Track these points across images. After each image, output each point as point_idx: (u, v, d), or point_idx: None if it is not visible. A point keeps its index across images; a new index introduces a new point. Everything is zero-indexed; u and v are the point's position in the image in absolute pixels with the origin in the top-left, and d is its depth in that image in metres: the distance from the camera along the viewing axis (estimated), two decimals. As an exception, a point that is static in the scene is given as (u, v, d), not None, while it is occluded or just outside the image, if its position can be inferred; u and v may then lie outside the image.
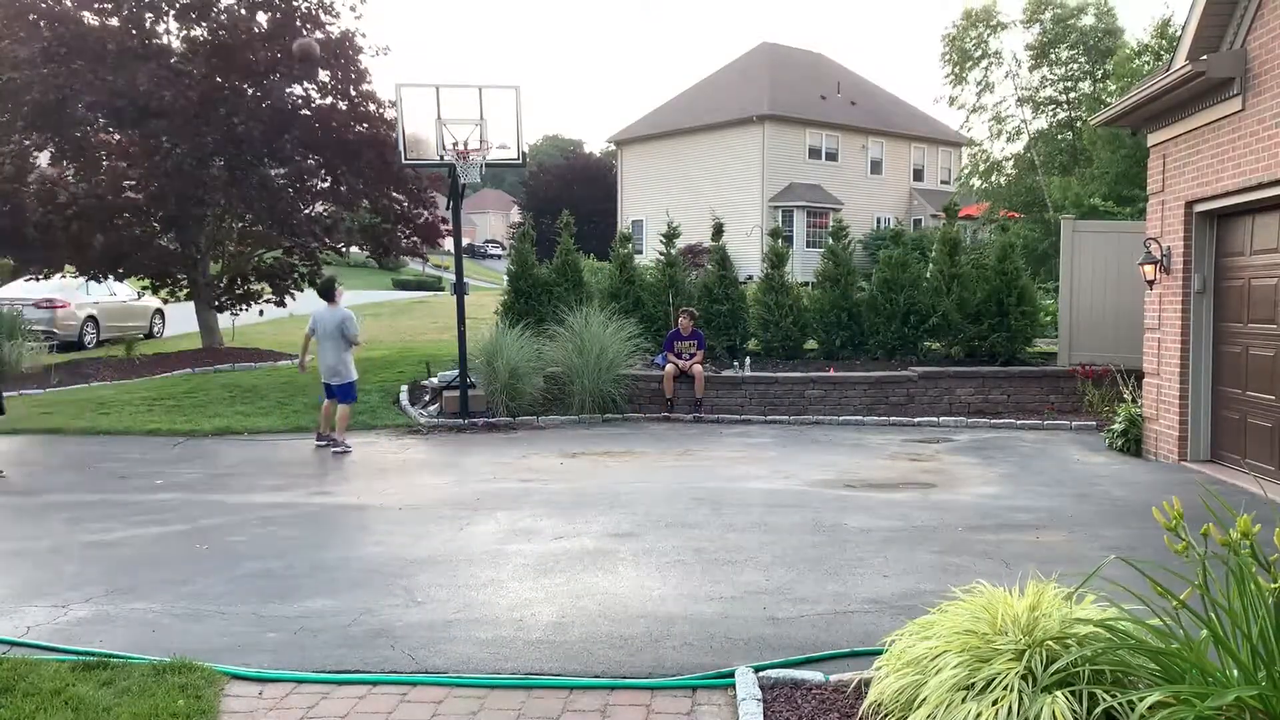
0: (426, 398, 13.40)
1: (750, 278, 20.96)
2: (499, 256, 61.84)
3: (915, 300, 14.17)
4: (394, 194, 17.52)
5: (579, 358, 12.66)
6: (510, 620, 5.05)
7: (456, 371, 12.79)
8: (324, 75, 17.19)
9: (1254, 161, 8.23)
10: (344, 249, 19.15)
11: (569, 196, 46.98)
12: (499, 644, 4.71)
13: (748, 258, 29.81)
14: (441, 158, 12.32)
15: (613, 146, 49.95)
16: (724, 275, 14.95)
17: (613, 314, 13.48)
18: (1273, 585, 2.97)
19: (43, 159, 16.47)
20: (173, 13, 16.57)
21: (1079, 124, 26.14)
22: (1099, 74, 26.58)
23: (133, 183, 16.16)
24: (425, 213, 18.04)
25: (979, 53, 28.26)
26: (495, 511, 7.60)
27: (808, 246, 35.64)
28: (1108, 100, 21.99)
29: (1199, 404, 9.53)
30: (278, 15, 16.70)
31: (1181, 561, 3.16)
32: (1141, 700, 2.91)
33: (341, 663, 4.47)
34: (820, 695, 4.04)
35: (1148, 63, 22.48)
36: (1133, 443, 10.28)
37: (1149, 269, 9.99)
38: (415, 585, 5.66)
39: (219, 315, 18.34)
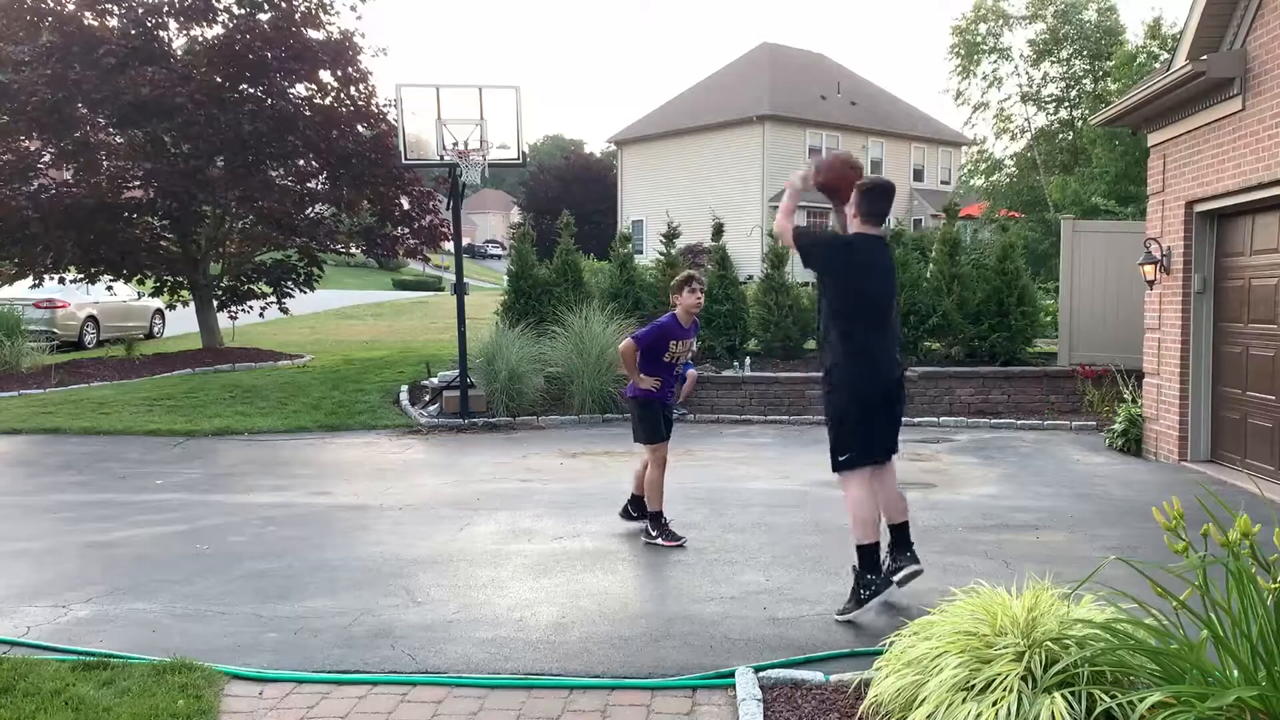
0: (426, 398, 13.40)
1: (750, 278, 20.93)
2: (499, 256, 61.86)
3: (915, 300, 14.15)
4: (396, 197, 17.50)
5: (579, 358, 12.66)
6: (511, 620, 5.05)
7: (456, 371, 12.79)
8: (325, 76, 17.18)
9: (1254, 161, 8.24)
10: (345, 249, 19.14)
11: (569, 196, 47.03)
12: (499, 644, 4.71)
13: (748, 258, 29.76)
14: (442, 158, 12.32)
15: (613, 146, 49.94)
16: (724, 275, 14.94)
17: (613, 314, 13.48)
18: (1272, 585, 2.97)
19: (44, 160, 16.45)
20: (174, 13, 16.56)
21: (1079, 123, 26.14)
22: (1098, 72, 26.58)
23: (135, 183, 16.14)
24: (429, 216, 18.02)
25: (987, 45, 28.20)
26: (495, 512, 7.61)
27: (808, 246, 35.54)
28: (1109, 99, 21.99)
29: (1199, 404, 9.54)
30: (278, 15, 16.69)
31: (1182, 561, 3.16)
32: (1141, 701, 2.91)
33: (341, 663, 4.47)
34: (820, 695, 4.04)
35: (1145, 64, 22.49)
36: (1133, 443, 10.28)
37: (1149, 269, 9.99)
38: (415, 585, 5.66)
39: (219, 315, 18.34)
